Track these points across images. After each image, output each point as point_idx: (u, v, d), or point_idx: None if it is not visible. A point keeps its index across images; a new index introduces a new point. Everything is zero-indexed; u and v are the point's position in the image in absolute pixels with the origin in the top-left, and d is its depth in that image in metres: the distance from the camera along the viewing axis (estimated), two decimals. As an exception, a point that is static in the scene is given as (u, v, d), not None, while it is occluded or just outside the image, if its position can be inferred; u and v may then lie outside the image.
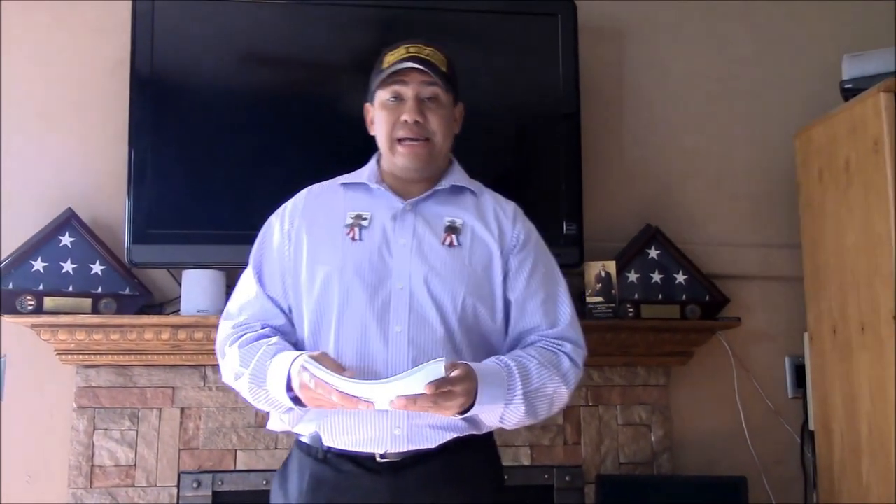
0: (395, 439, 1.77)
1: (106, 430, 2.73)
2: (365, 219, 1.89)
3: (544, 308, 1.89)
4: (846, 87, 2.89)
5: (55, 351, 2.70)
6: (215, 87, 2.84)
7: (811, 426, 3.00)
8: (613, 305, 2.87)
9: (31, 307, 2.63)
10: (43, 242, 2.70)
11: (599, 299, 2.87)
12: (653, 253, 3.01)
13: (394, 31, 2.92)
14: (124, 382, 2.75)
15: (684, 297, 2.99)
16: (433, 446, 1.79)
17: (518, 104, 2.96)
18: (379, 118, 1.93)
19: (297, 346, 1.87)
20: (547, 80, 2.96)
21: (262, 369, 1.78)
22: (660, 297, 2.98)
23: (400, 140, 1.89)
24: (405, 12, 2.94)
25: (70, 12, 2.96)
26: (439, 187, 1.94)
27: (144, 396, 2.76)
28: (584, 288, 2.89)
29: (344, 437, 1.78)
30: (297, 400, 1.73)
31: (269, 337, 1.85)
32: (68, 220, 2.73)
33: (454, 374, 1.64)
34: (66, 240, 2.72)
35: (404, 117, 1.87)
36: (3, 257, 2.69)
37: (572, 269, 2.90)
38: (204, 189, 2.75)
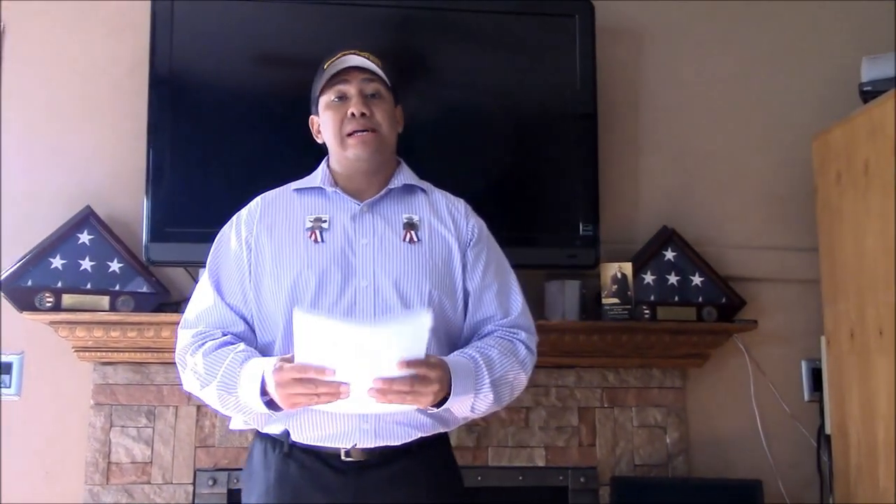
0: (364, 433, 1.82)
1: (123, 427, 2.74)
2: (324, 221, 1.95)
3: (499, 299, 1.97)
4: (865, 89, 2.88)
5: (73, 348, 2.71)
6: (233, 86, 2.85)
7: (827, 430, 2.99)
8: (629, 307, 2.87)
9: (49, 304, 2.65)
10: (62, 240, 2.72)
11: (615, 301, 2.87)
12: (669, 255, 3.00)
13: (410, 31, 2.93)
14: (141, 380, 2.77)
15: (700, 299, 2.98)
16: (399, 443, 1.85)
17: (535, 105, 2.96)
18: (325, 119, 2.01)
19: (259, 351, 1.90)
20: (564, 80, 2.95)
21: (232, 376, 1.80)
22: (676, 298, 2.97)
23: (349, 135, 1.96)
24: (421, 12, 2.94)
25: (89, 12, 2.98)
26: (392, 186, 2.00)
27: (161, 394, 2.77)
28: (600, 289, 2.88)
29: (313, 431, 1.83)
30: (270, 404, 1.76)
31: (233, 344, 1.88)
32: (87, 218, 2.75)
33: (430, 360, 1.69)
34: (85, 237, 2.73)
35: (351, 110, 1.95)
36: (22, 254, 2.70)
37: (588, 271, 2.91)
38: (221, 187, 2.75)
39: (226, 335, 1.91)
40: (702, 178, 3.21)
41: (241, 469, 2.71)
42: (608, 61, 3.10)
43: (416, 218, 1.98)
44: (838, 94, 3.16)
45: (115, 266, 2.73)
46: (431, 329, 1.79)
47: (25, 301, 2.65)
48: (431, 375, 1.69)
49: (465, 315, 1.98)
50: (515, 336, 1.94)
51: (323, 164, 2.06)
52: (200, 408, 2.77)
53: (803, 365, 3.15)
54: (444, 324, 1.92)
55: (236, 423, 1.97)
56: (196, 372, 1.86)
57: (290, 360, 1.69)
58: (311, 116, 2.09)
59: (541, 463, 2.89)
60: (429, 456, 1.91)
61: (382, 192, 1.99)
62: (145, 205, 2.73)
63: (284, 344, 1.86)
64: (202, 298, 1.96)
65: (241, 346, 1.87)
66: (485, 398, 1.83)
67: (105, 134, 2.93)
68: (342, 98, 1.98)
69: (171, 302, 2.80)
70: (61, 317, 2.64)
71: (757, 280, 3.14)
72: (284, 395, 1.69)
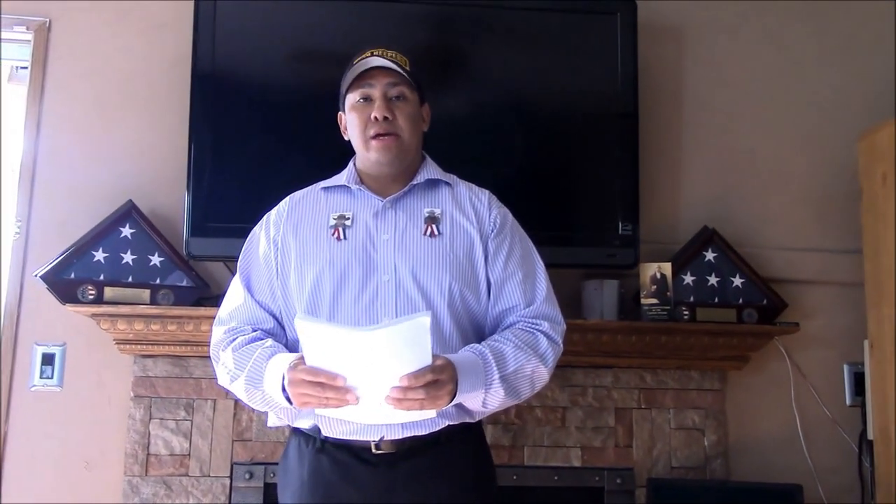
0: (391, 426, 1.84)
1: (162, 419, 2.77)
2: (348, 218, 1.98)
3: (522, 287, 1.96)
4: (913, 88, 2.83)
5: (114, 340, 2.74)
6: (274, 83, 2.87)
7: (869, 435, 2.94)
8: (668, 308, 2.84)
9: (91, 297, 2.68)
10: (104, 234, 2.75)
11: (654, 301, 2.84)
12: (709, 255, 2.97)
13: (450, 29, 2.93)
14: (180, 373, 2.79)
15: (741, 300, 2.95)
16: (427, 433, 1.86)
17: (576, 103, 2.94)
18: (351, 120, 2.03)
19: (288, 348, 1.94)
20: (605, 79, 2.94)
21: (258, 370, 1.84)
22: (716, 300, 2.94)
23: (372, 138, 1.98)
24: (462, 9, 2.94)
25: (133, 8, 3.01)
26: (415, 182, 2.02)
27: (200, 387, 2.80)
28: (639, 289, 2.86)
29: (341, 426, 1.85)
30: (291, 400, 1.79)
31: (262, 339, 1.93)
32: (129, 213, 2.78)
33: (436, 363, 1.70)
34: (127, 231, 2.76)
35: (374, 115, 1.96)
36: (66, 247, 2.74)
37: (627, 270, 2.89)
38: (261, 183, 2.77)
39: (256, 331, 1.96)
40: (744, 178, 3.17)
41: (277, 463, 2.74)
42: (650, 59, 3.08)
43: (437, 211, 2.00)
44: (885, 93, 3.12)
45: (155, 260, 2.76)
46: (449, 326, 1.84)
47: (68, 293, 2.69)
48: (442, 377, 1.70)
49: (489, 305, 1.99)
50: (537, 327, 1.93)
51: (350, 163, 2.09)
52: (238, 402, 2.78)
53: (846, 369, 3.10)
54: (467, 316, 1.94)
55: (272, 421, 2.00)
56: (226, 366, 1.92)
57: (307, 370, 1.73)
58: (339, 113, 2.11)
59: (577, 463, 2.87)
60: (459, 446, 1.92)
61: (406, 188, 2.01)
62: (186, 200, 2.75)
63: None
64: (234, 296, 2.02)
65: (269, 341, 1.92)
66: (495, 394, 1.83)
67: (147, 129, 2.96)
68: (367, 99, 1.99)
69: (210, 296, 2.82)
70: (103, 309, 2.67)
71: (799, 282, 3.10)
72: (295, 393, 1.73)
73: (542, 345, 1.91)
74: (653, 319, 2.83)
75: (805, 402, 3.04)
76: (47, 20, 2.98)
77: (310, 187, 2.11)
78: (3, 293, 2.86)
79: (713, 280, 2.95)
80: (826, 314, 3.12)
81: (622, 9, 2.97)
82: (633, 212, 2.89)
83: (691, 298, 2.93)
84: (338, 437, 1.87)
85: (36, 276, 2.70)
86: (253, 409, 2.75)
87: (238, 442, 2.78)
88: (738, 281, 2.96)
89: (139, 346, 2.75)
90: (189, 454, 2.76)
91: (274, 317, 1.99)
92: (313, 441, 1.90)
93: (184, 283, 2.77)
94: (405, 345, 1.65)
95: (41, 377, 2.82)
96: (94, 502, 2.77)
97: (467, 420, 1.92)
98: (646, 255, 2.90)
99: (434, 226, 1.97)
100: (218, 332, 1.98)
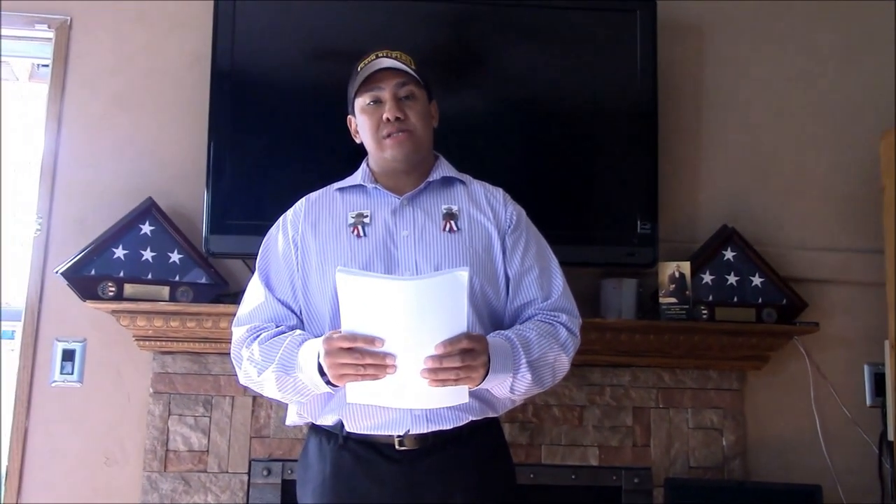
0: (416, 419, 1.85)
1: (181, 415, 2.79)
2: (366, 216, 2.00)
3: (539, 282, 1.98)
4: (936, 87, 2.81)
5: (133, 337, 2.76)
6: (292, 81, 2.88)
7: (890, 436, 2.91)
8: (687, 307, 2.83)
9: (111, 293, 2.70)
10: (124, 231, 2.76)
11: (673, 300, 2.83)
12: (729, 254, 2.96)
13: (469, 27, 2.92)
14: (199, 370, 2.81)
15: (760, 300, 2.93)
16: (451, 427, 1.87)
17: (594, 101, 2.93)
18: (362, 123, 2.04)
19: None
20: (624, 77, 2.93)
21: (290, 357, 1.83)
22: (735, 299, 2.93)
23: (386, 136, 1.99)
24: (480, 7, 2.93)
25: (153, 7, 3.03)
26: (430, 180, 2.04)
27: (218, 384, 2.81)
28: (658, 288, 2.85)
29: (366, 420, 1.86)
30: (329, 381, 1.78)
31: (288, 332, 1.93)
32: (149, 210, 2.80)
33: (472, 333, 1.71)
34: (147, 228, 2.78)
35: (386, 115, 1.98)
36: (86, 244, 2.76)
37: (646, 269, 2.88)
38: (280, 181, 2.78)
39: (279, 327, 1.95)
40: (764, 177, 3.16)
41: (295, 460, 2.75)
42: (669, 58, 3.06)
43: (455, 208, 2.01)
44: (907, 92, 3.09)
45: (175, 257, 2.78)
46: (471, 319, 1.81)
47: (88, 290, 2.70)
48: (477, 347, 1.70)
49: (507, 299, 2.00)
50: (556, 319, 1.95)
51: (363, 164, 2.10)
52: (256, 399, 2.80)
53: (866, 369, 3.08)
54: (487, 310, 1.95)
55: (291, 418, 2.00)
56: (252, 360, 1.90)
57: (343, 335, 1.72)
58: (349, 116, 2.12)
59: (594, 462, 2.87)
60: (480, 442, 1.94)
61: (421, 185, 2.02)
62: (206, 197, 2.77)
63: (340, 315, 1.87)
64: (254, 296, 2.02)
65: (298, 331, 1.92)
66: (523, 378, 1.83)
67: (167, 127, 2.97)
68: (377, 102, 2.01)
69: (229, 293, 2.83)
70: (122, 306, 2.69)
71: (819, 282, 3.08)
72: (331, 363, 1.71)
73: (562, 335, 1.93)
74: (671, 319, 2.82)
75: (825, 402, 3.02)
76: (69, 18, 3.00)
77: (324, 188, 2.12)
78: (23, 290, 2.88)
79: (732, 279, 2.94)
80: (846, 314, 3.09)
81: (642, 7, 2.96)
82: (651, 210, 2.88)
83: (710, 298, 2.91)
84: (362, 431, 1.87)
85: (57, 272, 2.73)
86: (272, 403, 2.78)
87: (256, 438, 2.80)
88: (757, 280, 2.94)
89: (158, 343, 2.77)
90: (207, 450, 2.78)
91: (296, 314, 1.99)
92: (335, 438, 1.91)
93: (203, 280, 2.78)
94: (442, 299, 1.65)
95: (62, 373, 2.84)
96: (113, 497, 2.79)
97: (490, 414, 1.94)
98: (664, 253, 2.89)
99: (452, 222, 1.99)
100: (239, 332, 1.98)
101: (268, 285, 2.00)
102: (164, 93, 3.00)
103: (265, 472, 2.77)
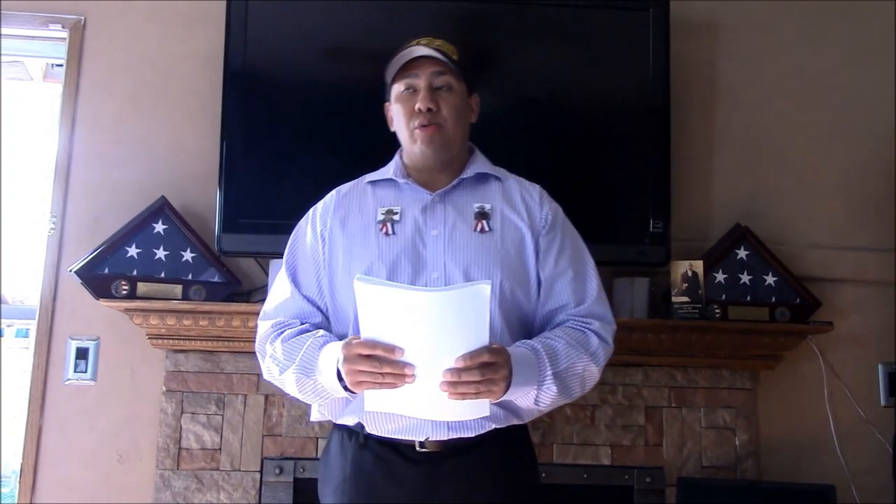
0: (436, 426, 1.80)
1: (193, 413, 2.80)
2: (396, 213, 1.93)
3: (572, 286, 1.91)
4: (951, 85, 2.79)
5: (146, 335, 2.77)
6: (305, 80, 2.88)
7: (904, 436, 2.91)
8: (700, 306, 2.82)
9: (125, 292, 2.71)
10: (137, 229, 2.78)
11: (685, 299, 2.82)
12: (742, 253, 2.95)
13: (481, 25, 2.92)
14: (211, 368, 2.82)
15: (774, 299, 2.92)
16: (473, 435, 1.81)
17: (607, 99, 2.93)
18: (396, 111, 1.99)
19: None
20: (637, 75, 2.92)
21: (311, 359, 1.80)
22: (748, 298, 2.91)
23: (417, 128, 1.94)
24: (492, 5, 2.93)
25: (166, 6, 3.05)
26: (464, 176, 1.97)
27: (230, 382, 2.82)
28: (670, 287, 2.84)
29: (386, 424, 1.82)
30: (347, 387, 1.73)
31: (312, 331, 1.89)
32: (162, 209, 2.81)
33: (493, 346, 1.65)
34: (160, 227, 2.79)
35: (418, 105, 1.92)
36: (100, 243, 2.77)
37: (658, 268, 2.87)
38: (293, 180, 2.79)
39: (304, 324, 1.92)
40: (777, 176, 3.14)
41: (307, 458, 2.77)
42: (682, 55, 3.05)
43: (487, 207, 1.94)
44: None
45: (188, 256, 2.79)
46: (499, 323, 1.78)
47: (102, 288, 2.72)
48: (499, 360, 1.65)
49: (538, 303, 1.93)
50: (588, 326, 1.87)
51: (396, 156, 2.04)
52: (268, 397, 2.81)
53: (880, 369, 3.06)
54: (517, 313, 1.89)
55: (314, 415, 1.97)
56: (275, 358, 1.87)
57: (364, 343, 1.67)
58: (385, 103, 2.06)
59: (606, 462, 2.86)
60: (504, 448, 1.87)
61: (454, 182, 1.96)
62: (218, 196, 2.78)
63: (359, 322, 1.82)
64: (280, 291, 1.97)
65: (321, 331, 1.88)
66: (548, 390, 1.77)
67: (180, 126, 2.99)
68: (412, 90, 1.95)
69: (241, 292, 2.84)
70: (136, 304, 2.70)
71: (833, 281, 3.06)
72: (350, 370, 1.67)
73: (592, 343, 1.85)
74: (684, 318, 2.81)
75: (838, 402, 3.01)
76: (82, 18, 3.01)
77: (355, 181, 2.06)
78: (37, 288, 2.89)
79: (745, 278, 2.93)
80: (860, 313, 3.08)
81: (654, 5, 2.94)
82: (664, 209, 2.87)
83: (723, 297, 2.90)
84: (382, 434, 1.83)
85: (70, 271, 2.74)
86: (284, 402, 2.79)
87: (268, 437, 2.80)
88: (770, 279, 2.93)
89: (171, 341, 2.78)
90: (220, 448, 2.79)
91: (321, 311, 1.95)
92: (356, 436, 1.86)
93: (215, 279, 2.79)
94: (463, 312, 1.60)
95: (75, 371, 2.86)
96: (126, 495, 2.80)
97: (515, 422, 1.87)
98: (677, 252, 2.88)
99: (484, 221, 1.92)
100: (264, 327, 1.94)
101: (294, 280, 1.96)
102: (177, 92, 3.01)
103: (277, 471, 2.78)
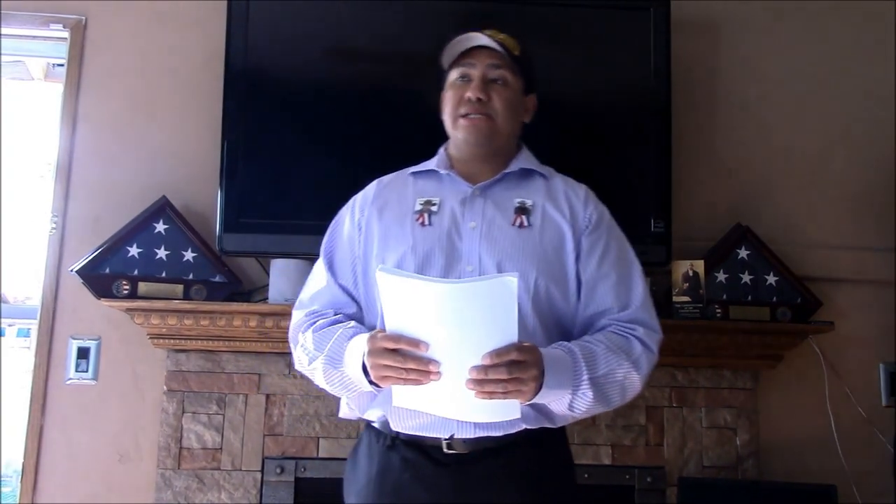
0: (462, 424, 1.73)
1: (194, 413, 2.80)
2: (434, 204, 1.88)
3: (616, 290, 1.82)
4: (952, 84, 2.79)
5: (148, 335, 2.77)
6: (306, 80, 2.88)
7: (905, 436, 2.91)
8: (701, 306, 2.82)
9: (126, 291, 2.71)
10: (138, 229, 2.78)
11: (686, 299, 2.82)
12: (743, 253, 2.95)
13: (483, 25, 2.91)
14: (212, 368, 2.82)
15: (775, 298, 2.92)
16: (500, 434, 1.74)
17: (608, 99, 2.93)
18: (446, 98, 1.93)
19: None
20: (638, 74, 2.92)
21: (339, 350, 1.76)
22: (749, 298, 2.91)
23: (463, 116, 1.89)
24: (494, 5, 2.93)
25: (167, 7, 3.05)
26: (508, 171, 1.92)
27: (231, 382, 2.82)
28: (671, 287, 2.84)
29: (411, 420, 1.76)
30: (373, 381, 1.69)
31: (344, 322, 1.84)
32: (163, 208, 2.81)
33: (523, 343, 1.58)
34: (161, 227, 2.79)
35: (468, 94, 1.87)
36: (101, 243, 2.78)
37: (659, 268, 2.87)
38: (294, 180, 2.79)
39: (337, 314, 1.88)
40: (778, 175, 3.14)
41: (308, 458, 2.78)
42: (683, 55, 3.05)
43: (528, 202, 1.87)
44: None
45: (189, 255, 2.79)
46: (533, 322, 1.74)
47: (103, 288, 2.72)
48: (528, 359, 1.57)
49: (579, 307, 1.84)
50: (632, 332, 1.79)
51: (441, 148, 1.99)
52: (269, 396, 2.81)
53: (881, 368, 3.07)
54: (552, 314, 1.81)
55: (343, 411, 1.93)
56: (305, 348, 1.84)
57: (390, 336, 1.62)
58: (442, 93, 1.97)
59: (607, 461, 2.86)
60: (536, 452, 1.78)
61: (497, 175, 1.90)
62: (219, 196, 2.78)
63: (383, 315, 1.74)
64: (316, 279, 1.94)
65: (352, 323, 1.83)
66: (583, 396, 1.69)
67: (181, 126, 2.99)
68: (466, 79, 1.90)
69: (242, 291, 2.85)
70: (137, 304, 2.70)
71: (834, 280, 3.06)
72: (374, 364, 1.63)
73: (635, 350, 1.77)
74: (685, 317, 2.81)
75: (839, 401, 3.00)
76: (83, 18, 3.01)
77: (399, 171, 2.00)
78: (38, 288, 2.90)
79: (746, 278, 2.93)
80: (861, 313, 3.08)
81: (656, 4, 2.94)
82: (665, 209, 2.87)
83: (724, 296, 2.90)
84: (407, 431, 1.77)
85: (71, 270, 2.74)
86: (288, 401, 2.79)
87: (269, 436, 2.80)
88: (771, 279, 2.93)
89: (172, 341, 2.78)
90: (221, 448, 2.79)
91: (356, 302, 1.90)
92: (385, 438, 1.81)
93: (216, 279, 2.79)
94: (489, 307, 1.53)
95: (76, 371, 2.86)
96: (127, 495, 2.81)
97: (547, 425, 1.78)
98: (678, 252, 2.88)
99: (524, 217, 1.85)
100: (298, 315, 1.91)
101: (330, 269, 1.92)
102: (178, 92, 3.01)
103: (278, 470, 2.78)
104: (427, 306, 1.56)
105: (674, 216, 2.89)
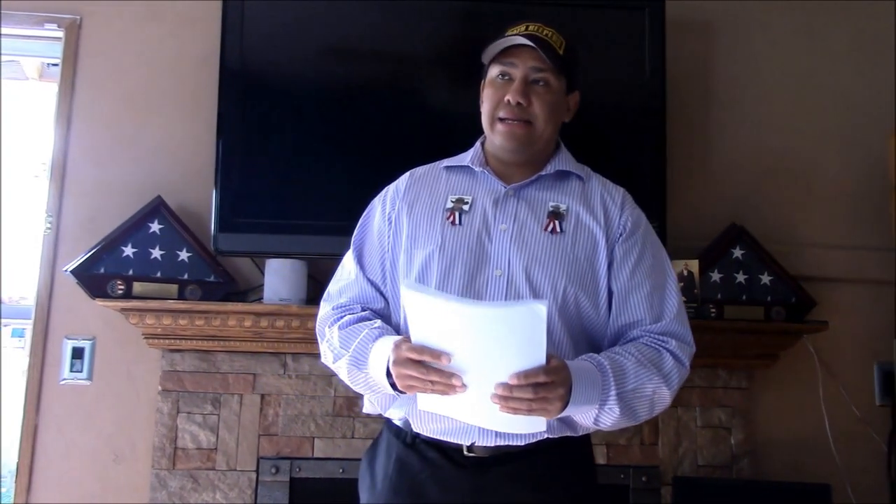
0: (483, 431, 1.70)
1: (189, 413, 2.79)
2: (466, 203, 1.83)
3: (649, 301, 1.77)
4: (946, 84, 2.79)
5: (142, 335, 2.77)
6: (302, 79, 2.88)
7: (900, 435, 2.92)
8: (695, 305, 2.82)
9: (120, 291, 2.71)
10: (133, 229, 2.78)
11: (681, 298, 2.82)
12: (737, 253, 2.95)
13: (479, 23, 2.92)
14: (207, 368, 2.82)
15: (769, 298, 2.92)
16: (522, 444, 1.72)
17: (603, 98, 2.92)
18: (485, 95, 1.88)
19: (397, 330, 1.82)
20: (633, 74, 2.92)
21: (363, 352, 1.74)
22: (744, 297, 2.92)
23: (501, 119, 1.83)
24: (489, 5, 2.92)
25: (162, 6, 3.04)
26: (544, 173, 1.86)
27: (226, 382, 2.82)
28: (666, 286, 2.84)
29: (432, 424, 1.74)
30: (395, 385, 1.67)
31: (370, 320, 1.82)
32: (157, 208, 2.81)
33: (551, 364, 1.54)
34: (155, 227, 2.79)
35: (508, 97, 1.81)
36: (95, 242, 2.77)
37: (654, 268, 2.87)
38: (289, 180, 2.79)
39: (365, 311, 1.85)
40: (773, 175, 3.14)
41: (303, 458, 2.78)
42: (678, 55, 3.05)
43: (563, 207, 1.82)
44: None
45: (184, 255, 2.79)
46: (560, 332, 1.71)
47: (97, 288, 2.72)
48: (556, 379, 1.54)
49: (610, 316, 1.80)
50: (664, 345, 1.74)
51: (477, 143, 1.94)
52: (264, 396, 2.81)
53: (875, 368, 3.07)
54: (581, 324, 1.77)
55: (367, 408, 1.91)
56: (331, 344, 1.82)
57: (414, 349, 1.61)
58: (482, 82, 1.92)
59: (602, 461, 2.86)
60: (559, 457, 1.76)
61: (532, 177, 1.85)
62: (214, 196, 2.77)
63: (407, 327, 1.73)
64: (345, 271, 1.91)
65: (378, 322, 1.80)
66: (610, 412, 1.65)
67: (176, 126, 2.98)
68: (507, 77, 1.84)
69: (237, 291, 2.84)
70: (132, 304, 2.69)
71: (829, 280, 3.07)
72: (398, 373, 1.61)
73: (667, 363, 1.71)
74: (680, 317, 2.81)
75: (834, 401, 3.01)
76: (78, 18, 3.01)
77: (433, 164, 1.96)
78: (33, 288, 2.89)
79: (741, 277, 2.93)
80: (856, 312, 3.08)
81: (650, 3, 2.95)
82: (660, 208, 2.87)
83: (719, 296, 2.91)
84: (428, 434, 1.75)
85: (66, 270, 2.74)
86: (283, 401, 2.79)
87: (264, 436, 2.80)
88: (766, 278, 2.93)
89: (167, 341, 2.77)
90: (216, 448, 2.78)
91: (384, 296, 1.87)
92: (404, 436, 1.79)
93: (211, 279, 2.79)
94: (517, 332, 1.51)
95: (71, 371, 2.85)
96: (122, 495, 2.80)
97: (568, 434, 1.75)
98: (673, 252, 2.83)
99: (557, 222, 1.80)
100: (325, 308, 1.89)
101: (360, 262, 1.89)
102: (173, 91, 3.01)
103: (273, 471, 2.78)
104: (452, 325, 1.55)
105: (668, 216, 2.89)
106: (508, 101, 1.81)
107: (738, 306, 2.91)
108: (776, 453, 2.98)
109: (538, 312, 1.48)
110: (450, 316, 1.54)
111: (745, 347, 2.88)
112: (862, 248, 3.10)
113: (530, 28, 1.84)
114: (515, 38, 1.82)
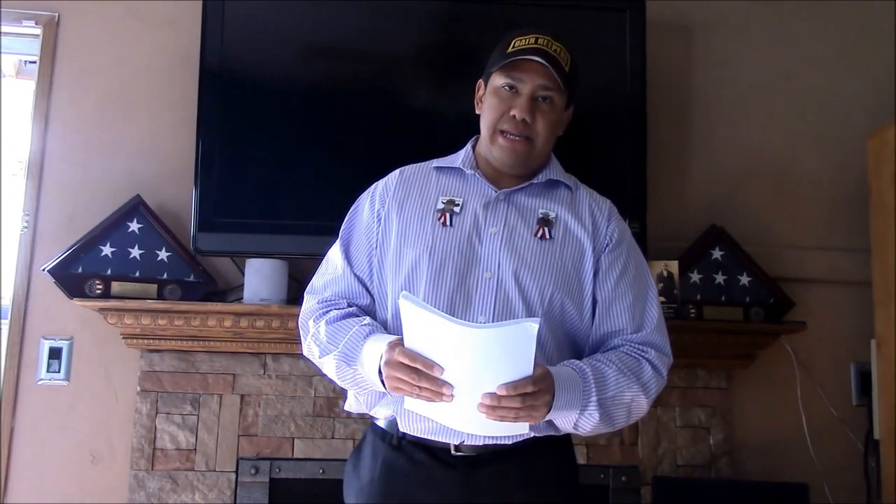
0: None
1: (168, 414, 2.78)
2: (457, 204, 1.85)
3: (631, 311, 1.81)
4: (923, 88, 2.82)
5: (121, 335, 2.75)
6: (282, 79, 2.87)
7: (876, 434, 2.93)
8: (675, 306, 2.84)
9: (99, 291, 2.69)
10: (112, 228, 2.76)
11: (661, 299, 2.81)
12: (717, 254, 2.97)
13: (458, 25, 2.93)
14: (187, 368, 2.80)
15: (748, 299, 2.94)
16: (510, 443, 1.74)
17: (583, 100, 2.91)
18: (488, 103, 1.87)
19: (383, 326, 1.82)
20: (614, 76, 2.93)
21: (354, 348, 1.74)
22: (723, 298, 2.94)
23: (503, 132, 1.84)
24: (469, 6, 2.93)
25: (141, 4, 3.02)
26: (535, 181, 1.89)
27: (206, 382, 2.80)
28: (646, 287, 2.86)
29: (420, 423, 1.74)
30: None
31: (358, 316, 1.82)
32: (136, 207, 2.79)
33: (537, 373, 1.58)
34: (134, 226, 2.77)
35: (513, 112, 1.82)
36: (73, 242, 2.75)
37: (634, 268, 2.88)
38: (269, 180, 2.78)
39: (351, 307, 1.85)
40: (752, 177, 3.17)
41: (283, 459, 2.77)
42: (659, 57, 3.06)
43: (552, 214, 1.85)
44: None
45: (163, 255, 2.77)
46: (545, 336, 1.72)
47: (75, 287, 2.69)
48: (542, 388, 1.58)
49: (593, 324, 1.84)
50: (644, 354, 1.78)
51: (468, 145, 1.95)
52: (244, 397, 2.80)
53: (852, 368, 3.10)
54: (565, 330, 1.80)
55: (350, 405, 1.92)
56: (317, 339, 1.81)
57: (408, 354, 1.63)
58: (479, 80, 1.94)
59: (582, 461, 2.86)
60: (543, 456, 1.79)
61: (523, 184, 1.87)
62: (194, 195, 2.75)
63: (395, 325, 1.77)
64: (331, 266, 1.91)
65: (366, 319, 1.81)
66: (590, 417, 1.68)
67: (156, 125, 2.96)
68: (513, 89, 1.83)
69: (216, 291, 2.83)
70: (110, 304, 2.67)
71: (807, 281, 3.09)
72: (389, 375, 1.63)
73: (646, 373, 1.75)
74: (659, 317, 2.82)
75: (811, 401, 3.03)
76: (56, 15, 2.98)
77: (423, 163, 1.96)
78: (9, 287, 2.87)
79: (720, 278, 2.95)
80: (833, 313, 3.11)
81: (631, 6, 2.96)
82: (640, 210, 2.88)
83: (698, 297, 2.92)
84: (414, 434, 1.76)
85: (43, 270, 2.71)
86: (263, 401, 2.78)
87: (244, 437, 2.79)
88: (745, 279, 2.95)
89: (146, 341, 2.76)
90: (195, 449, 2.77)
91: (370, 293, 1.87)
92: (390, 438, 1.79)
93: (191, 279, 2.77)
94: (507, 349, 1.56)
95: (48, 371, 2.83)
96: (100, 496, 2.78)
97: (552, 433, 1.79)
98: (653, 252, 2.89)
99: (546, 228, 1.83)
100: (310, 302, 1.88)
101: (347, 256, 1.89)
102: (152, 90, 2.99)
103: (253, 471, 2.76)
104: (446, 342, 1.58)
105: (649, 217, 2.90)
106: (514, 115, 1.82)
107: (718, 307, 2.92)
108: (754, 453, 2.99)
109: (530, 330, 1.52)
110: (445, 333, 1.57)
111: (724, 348, 2.90)
112: (839, 249, 3.13)
113: (540, 41, 1.82)
114: (526, 52, 1.80)
